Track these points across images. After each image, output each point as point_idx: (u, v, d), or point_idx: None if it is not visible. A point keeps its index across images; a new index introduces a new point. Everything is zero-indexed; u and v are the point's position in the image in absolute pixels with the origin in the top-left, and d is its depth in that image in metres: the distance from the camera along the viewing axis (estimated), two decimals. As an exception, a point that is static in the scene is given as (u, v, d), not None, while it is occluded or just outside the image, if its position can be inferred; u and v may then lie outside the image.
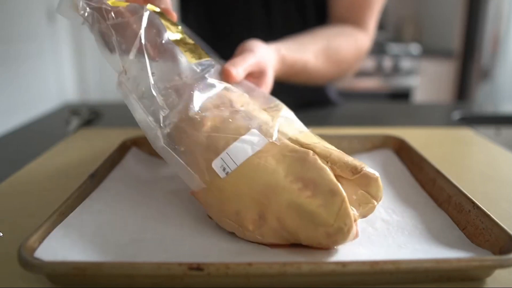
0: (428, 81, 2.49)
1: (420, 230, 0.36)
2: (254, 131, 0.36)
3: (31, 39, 1.19)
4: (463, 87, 2.50)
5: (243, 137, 0.35)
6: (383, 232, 0.36)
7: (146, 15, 0.40)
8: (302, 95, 0.84)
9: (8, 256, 0.32)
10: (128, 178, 0.45)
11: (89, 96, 1.75)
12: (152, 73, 0.39)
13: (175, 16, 0.45)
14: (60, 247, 0.31)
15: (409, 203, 0.41)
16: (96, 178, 0.43)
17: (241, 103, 0.40)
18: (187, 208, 0.39)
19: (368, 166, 0.34)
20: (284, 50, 0.58)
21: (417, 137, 0.62)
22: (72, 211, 0.36)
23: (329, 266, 0.27)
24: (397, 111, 0.93)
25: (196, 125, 0.37)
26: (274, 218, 0.32)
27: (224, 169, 0.34)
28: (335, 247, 0.32)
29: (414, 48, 2.45)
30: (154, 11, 0.42)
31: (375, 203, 0.34)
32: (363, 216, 0.34)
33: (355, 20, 0.75)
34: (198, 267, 0.27)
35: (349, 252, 0.32)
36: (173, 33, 0.42)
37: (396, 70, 2.44)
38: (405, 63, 2.44)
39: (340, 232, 0.30)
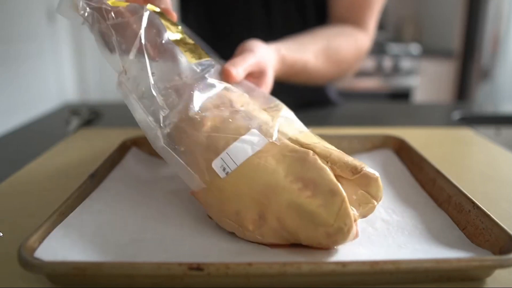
0: (428, 81, 2.49)
1: (420, 230, 0.36)
2: (254, 131, 0.36)
3: (31, 39, 1.19)
4: (463, 87, 2.50)
5: (243, 137, 0.35)
6: (383, 232, 0.36)
7: (146, 15, 0.40)
8: (302, 95, 0.84)
9: (8, 256, 0.32)
10: (128, 178, 0.45)
11: (89, 96, 1.75)
12: (152, 73, 0.39)
13: (175, 16, 0.45)
14: (60, 247, 0.31)
15: (409, 203, 0.41)
16: (96, 178, 0.43)
17: (241, 103, 0.40)
18: (187, 208, 0.39)
19: (368, 166, 0.34)
20: (284, 50, 0.58)
21: (417, 137, 0.62)
22: (72, 211, 0.36)
23: (329, 266, 0.27)
24: (397, 111, 0.93)
25: (196, 125, 0.37)
26: (274, 218, 0.32)
27: (224, 169, 0.34)
28: (335, 247, 0.32)
29: (414, 48, 2.45)
30: (154, 11, 0.42)
31: (375, 203, 0.34)
32: (363, 216, 0.34)
33: (355, 20, 0.75)
34: (198, 267, 0.27)
35: (349, 252, 0.32)
36: (173, 33, 0.42)
37: (396, 70, 2.44)
38: (405, 63, 2.44)
39: (340, 232, 0.30)
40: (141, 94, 0.38)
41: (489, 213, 0.34)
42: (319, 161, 0.33)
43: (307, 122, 0.43)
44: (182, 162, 0.36)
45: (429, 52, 2.48)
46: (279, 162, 0.34)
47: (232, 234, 0.35)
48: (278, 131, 0.37)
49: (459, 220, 0.36)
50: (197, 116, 0.37)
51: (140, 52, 0.39)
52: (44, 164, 0.54)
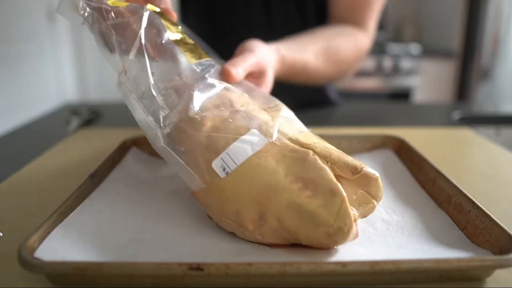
0: (428, 81, 2.49)
1: (420, 230, 0.36)
2: (254, 131, 0.36)
3: (31, 39, 1.19)
4: (463, 87, 2.50)
5: (243, 137, 0.35)
6: (383, 232, 0.36)
7: (146, 15, 0.40)
8: (302, 95, 0.84)
9: (8, 256, 0.32)
10: (128, 178, 0.45)
11: (89, 96, 1.75)
12: (152, 73, 0.39)
13: (175, 16, 0.45)
14: (60, 247, 0.31)
15: (409, 203, 0.41)
16: (96, 178, 0.43)
17: (241, 103, 0.40)
18: (187, 208, 0.39)
19: (368, 166, 0.34)
20: (284, 50, 0.58)
21: (417, 137, 0.62)
22: (72, 211, 0.36)
23: (329, 266, 0.27)
24: (397, 111, 0.93)
25: (196, 125, 0.37)
26: (274, 218, 0.32)
27: (224, 169, 0.34)
28: (335, 247, 0.32)
29: (414, 48, 2.45)
30: (154, 11, 0.42)
31: (375, 203, 0.34)
32: (363, 216, 0.34)
33: (355, 20, 0.75)
34: (198, 267, 0.27)
35: (349, 252, 0.32)
36: (173, 33, 0.42)
37: (396, 70, 2.44)
38: (405, 63, 2.44)
39: (340, 232, 0.30)
40: (141, 94, 0.38)
41: (489, 213, 0.34)
42: (319, 161, 0.33)
43: (307, 122, 0.43)
44: (182, 162, 0.36)
45: (429, 52, 2.48)
46: (279, 162, 0.34)
47: (232, 234, 0.35)
48: (278, 131, 0.37)
49: (459, 220, 0.36)
50: (197, 116, 0.37)
51: (140, 52, 0.39)
52: (44, 164, 0.54)
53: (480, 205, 0.35)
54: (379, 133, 0.56)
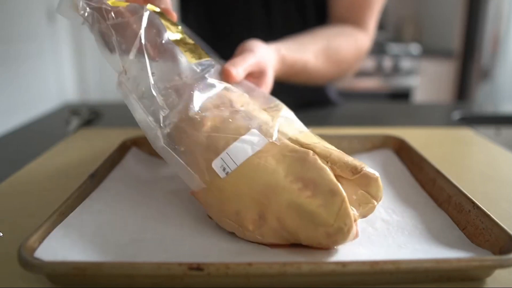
0: (428, 81, 2.49)
1: (420, 230, 0.36)
2: (254, 131, 0.36)
3: (31, 39, 1.19)
4: (463, 87, 2.50)
5: (243, 137, 0.35)
6: (383, 232, 0.36)
7: (146, 15, 0.40)
8: (302, 95, 0.84)
9: (8, 256, 0.32)
10: (128, 178, 0.45)
11: (89, 96, 1.75)
12: (152, 73, 0.39)
13: (175, 16, 0.45)
14: (60, 247, 0.31)
15: (409, 203, 0.41)
16: (96, 178, 0.43)
17: (241, 103, 0.40)
18: (187, 208, 0.39)
19: (368, 166, 0.34)
20: (284, 50, 0.58)
21: (417, 137, 0.62)
22: (72, 211, 0.36)
23: (329, 266, 0.27)
24: (397, 111, 0.93)
25: (196, 125, 0.37)
26: (274, 218, 0.32)
27: (224, 169, 0.34)
28: (335, 247, 0.32)
29: (414, 48, 2.45)
30: (154, 11, 0.42)
31: (375, 203, 0.34)
32: (363, 216, 0.34)
33: (355, 20, 0.75)
34: (198, 267, 0.27)
35: (349, 252, 0.32)
36: (173, 33, 0.42)
37: (396, 70, 2.44)
38: (405, 63, 2.44)
39: (340, 232, 0.30)
40: (141, 94, 0.38)
41: (489, 213, 0.34)
42: (319, 161, 0.33)
43: (307, 122, 0.43)
44: (182, 162, 0.36)
45: (429, 52, 2.48)
46: (279, 162, 0.34)
47: (232, 234, 0.35)
48: (278, 131, 0.37)
49: (459, 220, 0.36)
50: (197, 116, 0.37)
51: (140, 52, 0.39)
52: (44, 164, 0.54)
53: (480, 205, 0.35)
54: (379, 133, 0.56)
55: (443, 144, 0.63)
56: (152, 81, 0.38)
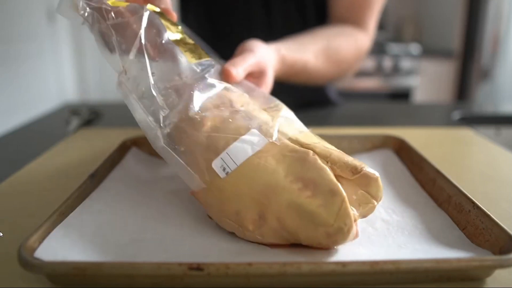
0: (428, 81, 2.49)
1: (420, 230, 0.36)
2: (254, 131, 0.36)
3: (31, 39, 1.19)
4: (463, 87, 2.50)
5: (243, 137, 0.35)
6: (383, 232, 0.36)
7: (146, 15, 0.40)
8: (302, 95, 0.84)
9: (8, 256, 0.32)
10: (128, 178, 0.45)
11: (89, 96, 1.75)
12: (152, 73, 0.39)
13: (175, 16, 0.45)
14: (60, 247, 0.31)
15: (409, 203, 0.41)
16: (96, 178, 0.43)
17: (241, 103, 0.40)
18: (187, 208, 0.39)
19: (368, 166, 0.34)
20: (284, 50, 0.58)
21: (417, 137, 0.62)
22: (72, 211, 0.36)
23: (329, 266, 0.27)
24: (397, 111, 0.93)
25: (196, 125, 0.37)
26: (274, 218, 0.32)
27: (224, 169, 0.34)
28: (335, 247, 0.32)
29: (414, 48, 2.45)
30: (154, 11, 0.42)
31: (375, 203, 0.34)
32: (363, 216, 0.34)
33: (355, 20, 0.75)
34: (198, 267, 0.27)
35: (349, 252, 0.32)
36: (173, 33, 0.42)
37: (396, 70, 2.44)
38: (405, 63, 2.44)
39: (340, 232, 0.30)
40: (141, 94, 0.38)
41: (489, 213, 0.34)
42: (319, 161, 0.33)
43: (307, 122, 0.43)
44: (182, 162, 0.36)
45: (429, 52, 2.48)
46: (279, 162, 0.34)
47: (232, 234, 0.35)
48: (278, 131, 0.37)
49: (459, 220, 0.36)
50: (197, 116, 0.37)
51: (140, 52, 0.39)
52: (44, 164, 0.54)
53: (480, 205, 0.35)
54: (379, 133, 0.56)
55: (443, 144, 0.63)
56: (152, 81, 0.38)
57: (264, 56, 0.51)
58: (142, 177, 0.47)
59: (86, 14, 0.39)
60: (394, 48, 2.43)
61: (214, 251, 0.32)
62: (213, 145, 0.35)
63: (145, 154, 0.52)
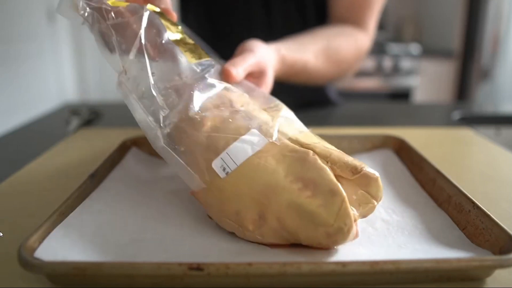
0: (428, 81, 2.49)
1: (420, 230, 0.36)
2: (254, 131, 0.36)
3: (31, 39, 1.19)
4: (463, 87, 2.50)
5: (243, 137, 0.35)
6: (383, 232, 0.36)
7: (146, 15, 0.40)
8: (302, 95, 0.84)
9: (8, 256, 0.32)
10: (128, 178, 0.45)
11: (89, 96, 1.75)
12: (152, 73, 0.39)
13: (175, 16, 0.45)
14: (60, 247, 0.31)
15: (409, 203, 0.41)
16: (96, 178, 0.43)
17: (241, 103, 0.40)
18: (187, 208, 0.39)
19: (368, 166, 0.34)
20: (284, 50, 0.58)
21: (417, 137, 0.62)
22: (72, 211, 0.36)
23: (329, 266, 0.27)
24: (397, 111, 0.93)
25: (196, 125, 0.37)
26: (274, 218, 0.32)
27: (224, 169, 0.34)
28: (335, 247, 0.32)
29: (414, 48, 2.45)
30: (154, 11, 0.42)
31: (375, 203, 0.34)
32: (363, 216, 0.34)
33: (355, 20, 0.75)
34: (198, 267, 0.27)
35: (349, 252, 0.32)
36: (173, 33, 0.42)
37: (396, 70, 2.44)
38: (405, 63, 2.44)
39: (340, 232, 0.30)
40: (141, 94, 0.38)
41: (489, 213, 0.34)
42: (319, 161, 0.33)
43: (307, 122, 0.43)
44: (182, 162, 0.36)
45: (429, 52, 2.48)
46: (279, 162, 0.34)
47: (232, 234, 0.35)
48: (278, 131, 0.37)
49: (459, 220, 0.36)
50: (197, 116, 0.37)
51: (140, 52, 0.39)
52: (44, 164, 0.54)
53: (480, 205, 0.35)
54: (379, 133, 0.56)
55: (443, 144, 0.63)
56: (152, 81, 0.38)
57: (264, 56, 0.51)
58: (142, 177, 0.47)
59: (86, 14, 0.39)
60: (394, 48, 2.43)
61: (214, 251, 0.32)
62: (213, 145, 0.35)
63: (145, 154, 0.52)
